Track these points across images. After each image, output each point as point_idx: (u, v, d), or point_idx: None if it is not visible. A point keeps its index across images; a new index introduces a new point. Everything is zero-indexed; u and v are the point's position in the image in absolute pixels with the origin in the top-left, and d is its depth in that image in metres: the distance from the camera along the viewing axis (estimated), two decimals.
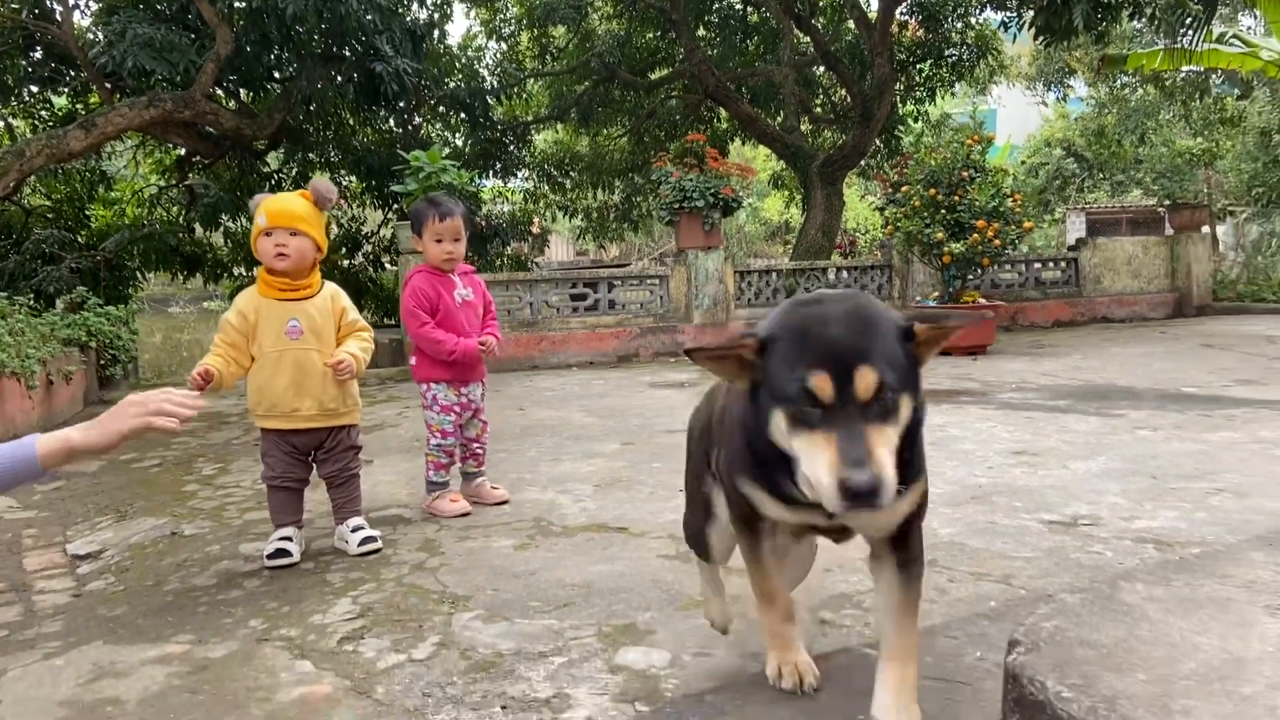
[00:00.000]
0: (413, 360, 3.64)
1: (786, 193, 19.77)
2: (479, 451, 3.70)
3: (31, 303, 8.74)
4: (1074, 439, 4.40)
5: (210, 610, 2.57)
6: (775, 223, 27.60)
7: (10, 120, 11.89)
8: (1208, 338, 8.87)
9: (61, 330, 6.44)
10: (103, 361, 7.45)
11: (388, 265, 13.77)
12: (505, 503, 3.58)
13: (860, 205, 22.54)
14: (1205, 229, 12.70)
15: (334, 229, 13.17)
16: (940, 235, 8.01)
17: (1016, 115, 25.09)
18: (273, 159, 13.23)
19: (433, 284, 3.53)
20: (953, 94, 16.11)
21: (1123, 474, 3.67)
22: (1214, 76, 17.42)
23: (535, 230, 15.79)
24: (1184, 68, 12.98)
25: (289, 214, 2.93)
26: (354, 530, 3.01)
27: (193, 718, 1.94)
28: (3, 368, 4.73)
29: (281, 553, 2.89)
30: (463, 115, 13.75)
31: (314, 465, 3.10)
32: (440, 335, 3.49)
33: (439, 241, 3.50)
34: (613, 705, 1.90)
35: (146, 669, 2.19)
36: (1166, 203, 13.37)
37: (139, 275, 12.10)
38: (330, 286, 3.11)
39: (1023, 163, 21.60)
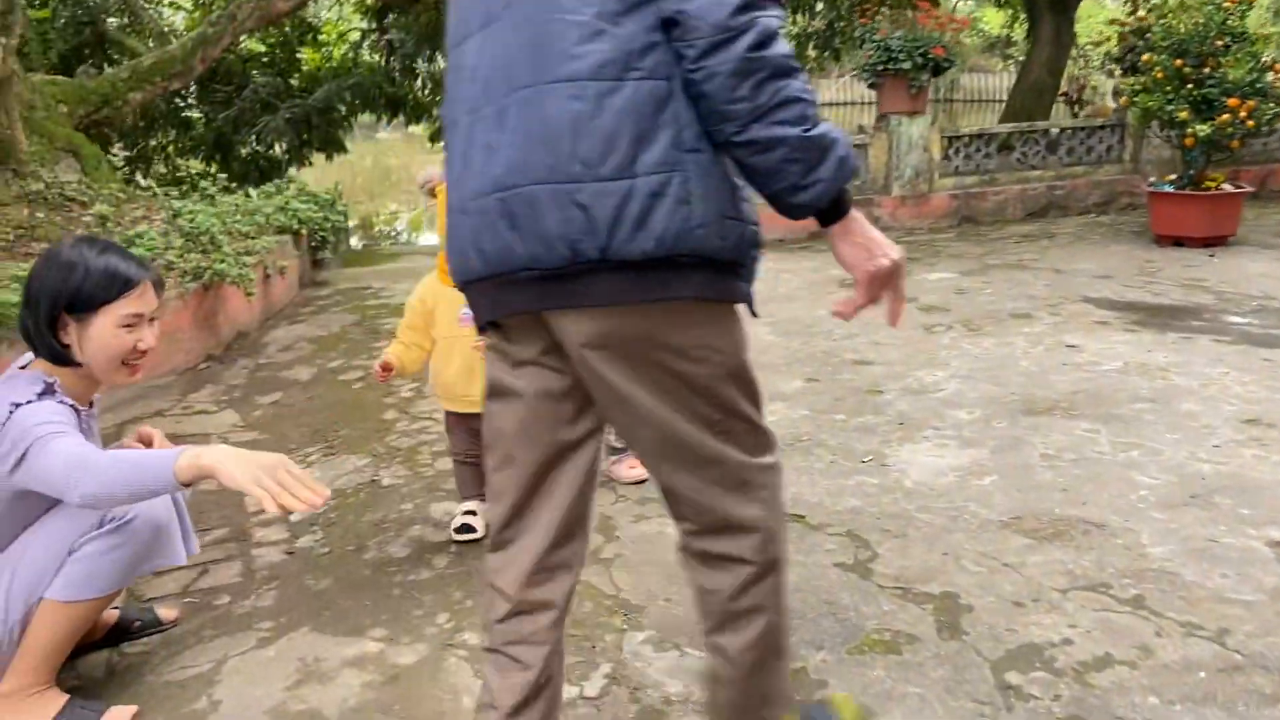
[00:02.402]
0: None
1: (1010, 12, 18.00)
2: None
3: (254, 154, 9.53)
4: None
5: (403, 596, 2.73)
6: (995, 35, 25.50)
7: None
8: None
9: (275, 218, 6.78)
10: (314, 244, 7.84)
11: None
12: None
13: (1093, 18, 19.70)
14: None
15: None
16: (1184, 114, 7.06)
17: None
18: None
19: None
20: None
21: None
22: None
23: None
24: None
25: None
26: None
27: None
28: (224, 277, 5.06)
29: (467, 528, 3.03)
30: None
31: None
32: None
33: None
34: None
35: (345, 673, 2.36)
36: None
37: (347, 122, 12.81)
38: None
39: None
